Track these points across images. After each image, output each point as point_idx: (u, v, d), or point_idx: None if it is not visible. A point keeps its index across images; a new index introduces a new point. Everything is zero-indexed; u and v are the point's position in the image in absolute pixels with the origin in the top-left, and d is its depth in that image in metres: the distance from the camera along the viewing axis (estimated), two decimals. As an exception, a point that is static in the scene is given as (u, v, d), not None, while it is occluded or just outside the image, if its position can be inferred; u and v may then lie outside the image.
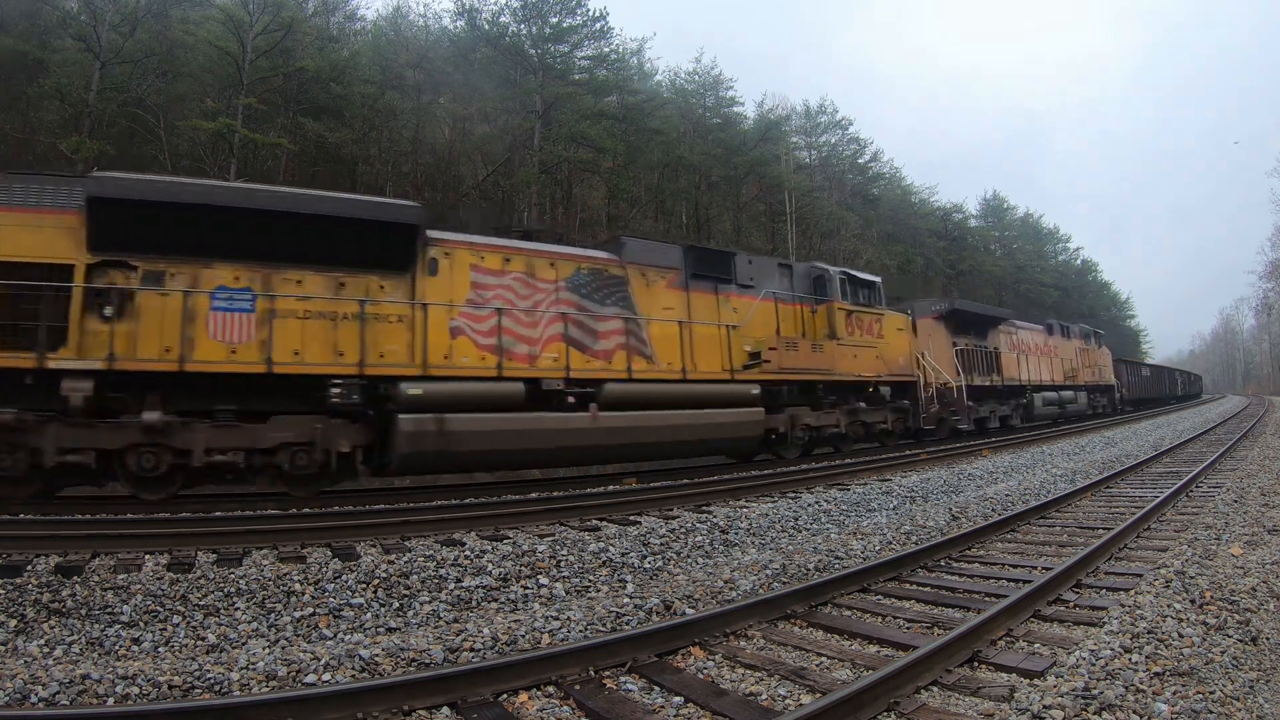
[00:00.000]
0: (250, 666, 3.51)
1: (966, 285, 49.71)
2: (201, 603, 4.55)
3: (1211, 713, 2.89)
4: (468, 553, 5.64)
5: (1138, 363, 38.75)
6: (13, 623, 4.18)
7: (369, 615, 4.61)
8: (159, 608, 4.44)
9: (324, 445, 8.05)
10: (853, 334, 13.49)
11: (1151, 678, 3.17)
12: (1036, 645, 3.88)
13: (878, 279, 14.86)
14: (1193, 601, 4.22)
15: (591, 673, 3.53)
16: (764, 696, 3.33)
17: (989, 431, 18.57)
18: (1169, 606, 4.14)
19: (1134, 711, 2.86)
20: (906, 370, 14.87)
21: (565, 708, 3.19)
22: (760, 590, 5.04)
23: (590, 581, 5.38)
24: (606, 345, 10.25)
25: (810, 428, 12.70)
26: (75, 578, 4.68)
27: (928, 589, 5.11)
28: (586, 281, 10.38)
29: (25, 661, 3.81)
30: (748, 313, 11.94)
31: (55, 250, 7.28)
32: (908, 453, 13.42)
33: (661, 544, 6.25)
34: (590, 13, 27.44)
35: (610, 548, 5.99)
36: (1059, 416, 23.29)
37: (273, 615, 4.49)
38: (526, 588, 5.16)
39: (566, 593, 5.18)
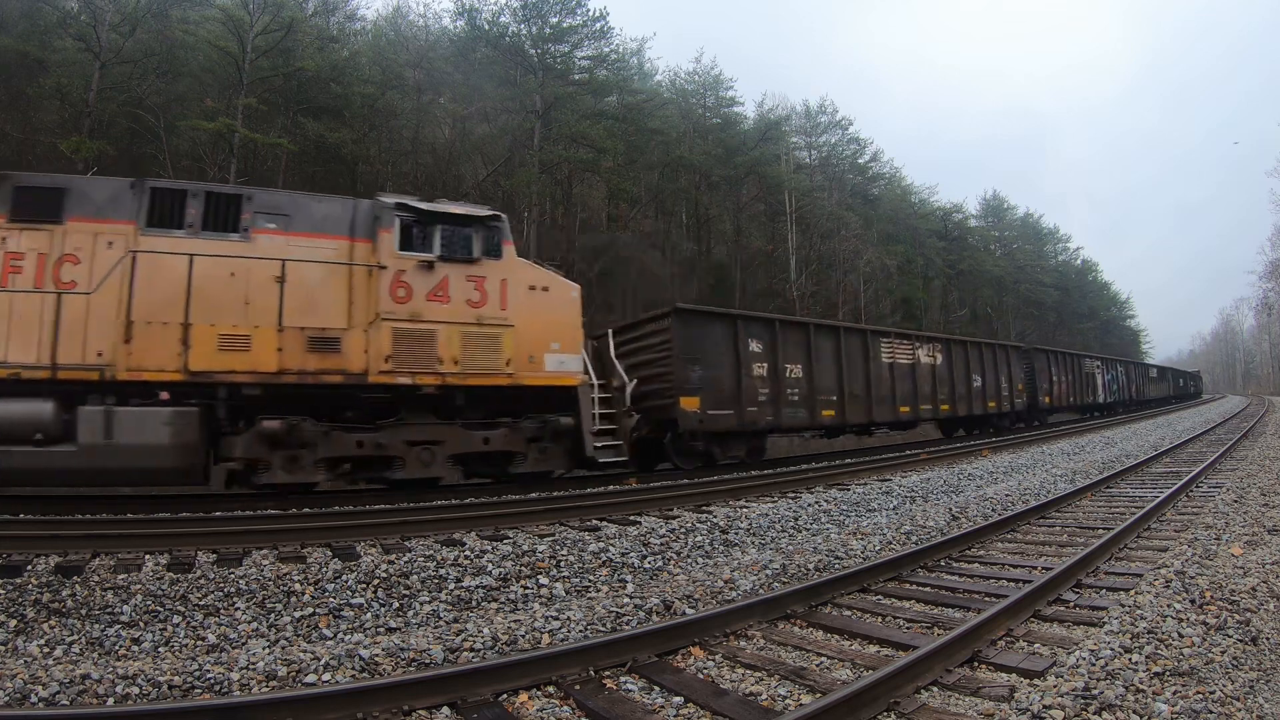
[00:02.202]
0: (250, 666, 3.51)
1: (966, 285, 49.71)
2: (201, 603, 4.55)
3: (1211, 713, 2.88)
4: (468, 553, 5.63)
5: (785, 319, 13.55)
6: (13, 623, 4.18)
7: (369, 615, 4.61)
8: (159, 608, 4.44)
9: None
10: None
11: (1151, 678, 3.17)
12: (1036, 645, 3.88)
13: None
14: (1193, 601, 4.22)
15: (591, 673, 3.53)
16: (764, 696, 3.33)
17: None
18: (1169, 606, 4.14)
19: (1134, 711, 2.86)
20: None
21: (565, 708, 3.19)
22: (760, 590, 5.03)
23: (590, 581, 5.38)
24: None
25: None
26: (75, 578, 4.68)
27: (928, 589, 5.11)
28: None
29: (25, 661, 3.80)
30: None
31: None
32: (908, 453, 13.38)
33: (661, 544, 6.25)
34: (590, 13, 27.46)
35: (610, 548, 5.99)
36: None
37: (273, 615, 4.49)
38: (526, 588, 5.16)
39: (566, 593, 5.18)
